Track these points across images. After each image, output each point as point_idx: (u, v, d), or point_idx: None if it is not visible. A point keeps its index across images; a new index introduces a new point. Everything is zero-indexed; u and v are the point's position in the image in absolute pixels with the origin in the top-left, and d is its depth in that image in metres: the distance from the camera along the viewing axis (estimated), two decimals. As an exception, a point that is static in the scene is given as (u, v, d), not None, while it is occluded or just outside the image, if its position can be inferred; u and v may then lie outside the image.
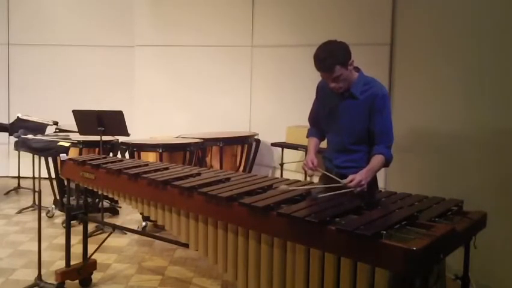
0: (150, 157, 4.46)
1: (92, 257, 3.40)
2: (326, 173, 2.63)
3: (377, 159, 2.56)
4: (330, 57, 2.50)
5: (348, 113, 2.65)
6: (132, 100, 6.32)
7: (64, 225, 3.67)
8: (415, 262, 1.55)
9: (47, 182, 4.93)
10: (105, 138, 4.55)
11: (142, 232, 4.08)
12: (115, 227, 3.68)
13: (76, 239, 3.82)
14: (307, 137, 2.93)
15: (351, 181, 2.34)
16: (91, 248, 3.37)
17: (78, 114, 4.54)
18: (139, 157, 4.44)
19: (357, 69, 2.67)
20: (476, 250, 2.04)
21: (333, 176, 2.53)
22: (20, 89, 6.73)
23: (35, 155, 4.82)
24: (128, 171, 2.76)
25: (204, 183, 2.43)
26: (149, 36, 6.35)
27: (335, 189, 2.30)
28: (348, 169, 2.58)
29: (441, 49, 3.72)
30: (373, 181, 2.59)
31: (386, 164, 2.62)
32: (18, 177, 5.96)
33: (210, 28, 6.16)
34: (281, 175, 4.97)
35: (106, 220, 4.64)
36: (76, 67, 6.63)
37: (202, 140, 4.90)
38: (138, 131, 5.40)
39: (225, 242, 2.17)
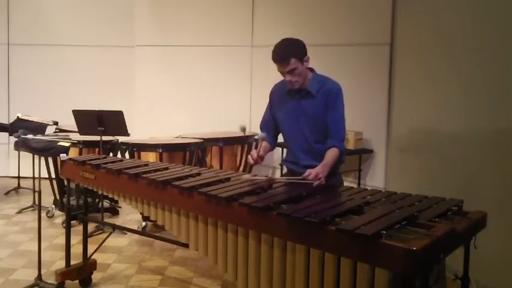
0: (150, 157, 4.46)
1: (92, 257, 3.40)
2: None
3: (332, 152, 2.65)
4: (286, 49, 2.67)
5: (307, 111, 2.74)
6: (132, 100, 6.32)
7: (64, 225, 3.66)
8: (415, 262, 1.55)
9: (47, 182, 4.93)
10: (105, 138, 4.55)
11: (142, 232, 4.08)
12: (115, 227, 3.68)
13: (76, 239, 3.82)
14: (256, 142, 2.98)
15: (309, 175, 2.44)
16: (91, 248, 3.37)
17: (78, 114, 4.54)
18: (139, 157, 4.44)
19: (311, 69, 2.78)
20: (476, 250, 2.03)
21: (290, 178, 2.62)
22: (20, 89, 6.73)
23: (35, 155, 4.83)
24: (128, 171, 2.76)
25: (204, 183, 2.43)
26: (149, 36, 6.35)
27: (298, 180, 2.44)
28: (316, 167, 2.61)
29: (441, 49, 3.71)
30: (335, 176, 2.72)
31: (341, 156, 2.71)
32: (18, 177, 5.97)
33: (210, 28, 6.16)
34: (281, 175, 4.97)
35: (106, 220, 4.65)
36: (76, 67, 6.64)
37: (202, 140, 4.90)
38: (138, 131, 5.40)
39: (225, 242, 2.17)
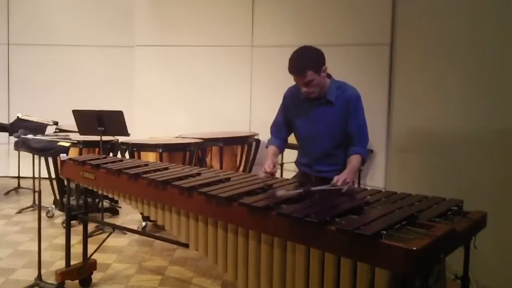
0: (150, 157, 4.46)
1: (92, 257, 3.40)
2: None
3: (356, 159, 2.66)
4: (303, 61, 2.59)
5: (325, 119, 2.72)
6: (132, 100, 6.32)
7: (64, 225, 3.67)
8: (415, 262, 1.55)
9: (47, 182, 4.93)
10: (105, 138, 4.55)
11: (142, 232, 4.08)
12: (115, 227, 3.69)
13: (76, 239, 3.82)
14: (266, 146, 2.99)
15: (337, 181, 2.42)
16: (91, 248, 3.37)
17: (78, 114, 4.54)
18: (139, 157, 4.44)
19: (328, 75, 2.73)
20: (476, 250, 2.03)
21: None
22: (20, 89, 6.73)
23: (35, 155, 4.83)
24: (128, 171, 2.76)
25: (204, 183, 2.43)
26: (149, 36, 6.35)
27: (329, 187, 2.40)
28: (330, 172, 2.62)
29: (441, 49, 3.72)
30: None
31: (363, 162, 2.74)
32: (18, 177, 5.97)
33: (210, 28, 6.16)
34: (281, 175, 4.97)
35: (106, 220, 4.65)
36: (76, 67, 6.64)
37: (202, 140, 4.90)
38: (138, 131, 5.40)
39: (225, 242, 2.17)
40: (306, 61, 2.59)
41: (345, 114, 2.69)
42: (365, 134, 2.76)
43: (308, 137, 2.82)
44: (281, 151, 2.97)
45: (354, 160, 2.64)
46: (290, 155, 5.29)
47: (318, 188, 2.32)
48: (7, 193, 5.81)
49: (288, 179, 2.71)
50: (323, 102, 2.72)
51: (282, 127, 2.95)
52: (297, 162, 2.98)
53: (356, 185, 2.79)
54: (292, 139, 3.04)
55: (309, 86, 2.62)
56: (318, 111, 2.73)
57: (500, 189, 3.04)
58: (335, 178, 2.45)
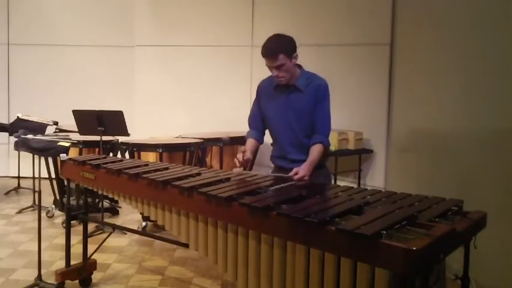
0: (150, 157, 4.46)
1: (92, 257, 3.40)
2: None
3: (317, 148, 2.71)
4: (276, 44, 2.69)
5: (295, 107, 2.78)
6: (132, 100, 6.32)
7: (64, 225, 3.67)
8: (415, 262, 1.55)
9: (47, 182, 4.93)
10: (105, 138, 4.55)
11: (142, 232, 4.08)
12: (115, 227, 3.69)
13: (76, 239, 3.82)
14: (245, 138, 3.03)
15: (295, 174, 2.53)
16: (91, 248, 3.37)
17: (78, 114, 4.54)
18: (139, 157, 4.44)
19: (299, 66, 2.81)
20: (476, 250, 2.04)
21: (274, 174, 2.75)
22: (20, 89, 6.74)
23: (35, 155, 4.83)
24: (128, 171, 2.75)
25: (204, 183, 2.43)
26: (149, 36, 6.36)
27: (282, 180, 2.50)
28: (304, 162, 2.67)
29: (441, 49, 3.72)
30: (321, 169, 2.80)
31: (325, 151, 2.77)
32: (18, 177, 5.97)
33: (210, 28, 6.16)
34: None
35: (106, 220, 4.65)
36: (76, 67, 6.64)
37: (202, 140, 4.90)
38: (138, 131, 5.40)
39: (225, 242, 2.17)
40: (278, 45, 2.68)
41: (314, 103, 2.74)
42: (327, 123, 2.80)
43: (279, 125, 2.86)
44: (260, 142, 3.01)
45: (314, 150, 2.69)
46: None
47: (272, 175, 2.49)
48: (7, 193, 5.81)
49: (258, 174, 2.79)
50: (293, 90, 2.78)
51: (257, 118, 3.00)
52: (271, 157, 3.01)
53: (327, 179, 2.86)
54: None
55: (280, 70, 2.68)
56: (287, 98, 2.79)
57: (500, 189, 3.04)
58: (294, 170, 2.55)
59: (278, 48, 2.66)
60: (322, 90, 2.75)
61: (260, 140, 3.01)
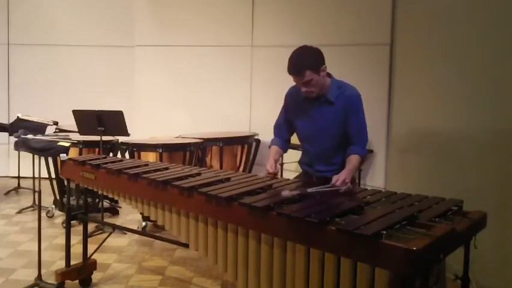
0: (150, 157, 4.46)
1: (92, 257, 3.40)
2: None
3: (355, 159, 2.66)
4: (301, 61, 2.58)
5: (326, 119, 2.72)
6: (132, 100, 6.32)
7: (64, 225, 3.67)
8: (415, 262, 1.55)
9: (47, 182, 4.93)
10: (105, 138, 4.55)
11: (142, 232, 4.08)
12: (115, 227, 3.69)
13: (76, 239, 3.82)
14: (269, 146, 3.00)
15: (336, 181, 2.45)
16: (91, 248, 3.37)
17: (78, 114, 4.54)
18: (139, 157, 4.44)
19: (329, 74, 2.73)
20: (476, 250, 2.04)
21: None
22: (20, 89, 6.74)
23: (35, 155, 4.83)
24: (128, 171, 2.76)
25: (204, 183, 2.43)
26: (149, 36, 6.35)
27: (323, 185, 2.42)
28: (329, 172, 2.65)
29: (441, 49, 3.72)
30: (352, 179, 2.73)
31: (361, 162, 2.78)
32: (18, 177, 5.97)
33: (210, 28, 6.16)
34: (281, 175, 4.97)
35: (106, 220, 4.64)
36: (76, 67, 6.64)
37: (202, 140, 4.90)
38: (138, 131, 5.40)
39: (225, 242, 2.17)
40: (303, 61, 2.58)
41: (345, 114, 2.69)
42: (364, 134, 2.76)
43: (308, 136, 2.83)
44: (284, 151, 2.98)
45: (353, 160, 2.65)
46: (291, 155, 5.30)
47: (315, 189, 2.31)
48: (7, 193, 5.81)
49: (289, 179, 2.71)
50: (323, 102, 2.72)
51: (283, 127, 2.96)
52: (299, 162, 2.99)
53: (355, 186, 2.78)
54: (294, 139, 3.05)
55: (308, 85, 2.61)
56: (318, 111, 2.73)
57: (500, 189, 3.04)
58: (334, 178, 2.47)
59: (303, 64, 2.57)
60: (354, 101, 2.69)
61: (284, 148, 2.96)
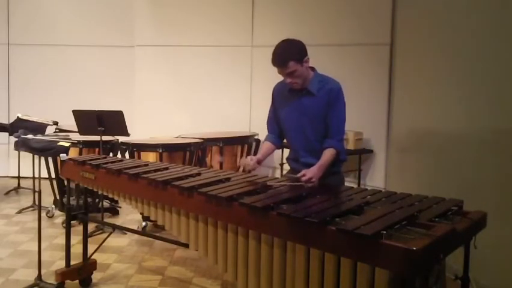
0: (150, 157, 4.46)
1: (92, 257, 3.40)
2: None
3: (329, 153, 2.69)
4: (285, 52, 2.67)
5: (308, 110, 2.76)
6: (132, 100, 6.32)
7: (64, 225, 3.67)
8: (415, 262, 1.55)
9: (47, 182, 4.93)
10: (105, 138, 4.55)
11: (142, 232, 4.08)
12: (115, 227, 3.69)
13: (76, 239, 3.82)
14: (262, 142, 3.04)
15: (303, 175, 2.50)
16: (91, 248, 3.37)
17: (78, 114, 4.54)
18: (139, 157, 4.44)
19: (312, 68, 2.80)
20: (476, 250, 2.04)
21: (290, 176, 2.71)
22: (20, 89, 6.74)
23: (35, 155, 4.83)
24: (128, 171, 2.76)
25: (204, 183, 2.43)
26: (149, 36, 6.36)
27: (290, 180, 2.50)
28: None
29: (441, 49, 3.72)
30: (336, 175, 2.80)
31: (340, 155, 2.75)
32: (18, 177, 5.96)
33: (210, 28, 6.16)
34: (281, 175, 4.97)
35: (106, 220, 4.65)
36: (76, 67, 6.64)
37: (202, 140, 4.90)
38: (138, 131, 5.40)
39: (225, 242, 2.17)
40: (287, 52, 2.66)
41: (326, 106, 2.73)
42: (341, 127, 2.79)
43: (292, 128, 2.86)
44: (277, 146, 3.00)
45: (326, 154, 2.67)
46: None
47: (278, 183, 2.40)
48: (7, 193, 5.81)
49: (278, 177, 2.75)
50: (305, 93, 2.77)
51: (273, 122, 3.00)
52: (287, 158, 3.01)
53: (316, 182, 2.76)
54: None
55: (292, 76, 2.68)
56: (300, 102, 2.78)
57: (500, 189, 3.04)
58: (302, 172, 2.53)
59: (287, 55, 2.64)
60: (334, 94, 2.72)
61: (277, 143, 2.98)
